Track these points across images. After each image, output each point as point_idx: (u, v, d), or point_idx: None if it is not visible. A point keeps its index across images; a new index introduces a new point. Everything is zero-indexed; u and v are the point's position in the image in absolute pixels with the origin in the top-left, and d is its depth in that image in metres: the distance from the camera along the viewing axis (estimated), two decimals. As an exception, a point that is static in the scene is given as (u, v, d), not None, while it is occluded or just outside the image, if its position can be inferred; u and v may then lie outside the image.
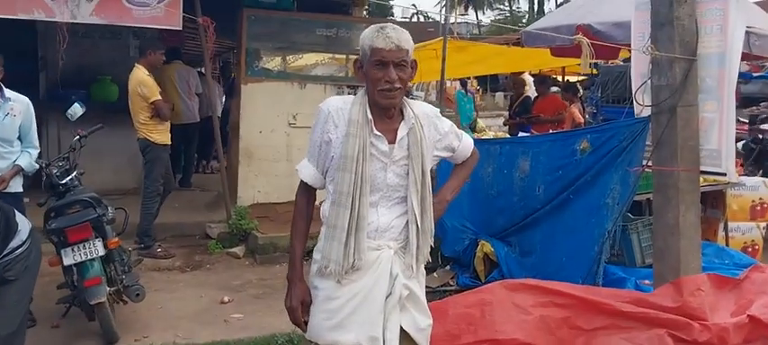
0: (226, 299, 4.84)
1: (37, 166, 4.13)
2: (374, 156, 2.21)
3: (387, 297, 2.22)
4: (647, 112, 3.57)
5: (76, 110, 4.76)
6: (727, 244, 5.01)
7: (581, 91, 11.95)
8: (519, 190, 4.79)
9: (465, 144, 2.49)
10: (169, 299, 4.85)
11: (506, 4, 47.66)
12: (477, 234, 5.05)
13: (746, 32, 4.70)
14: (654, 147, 3.49)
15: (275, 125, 6.71)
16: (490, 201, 5.05)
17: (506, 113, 11.03)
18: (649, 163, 3.59)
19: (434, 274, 5.19)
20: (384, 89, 2.16)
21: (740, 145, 8.12)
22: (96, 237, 3.88)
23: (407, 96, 2.36)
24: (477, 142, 5.39)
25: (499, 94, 23.51)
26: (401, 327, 2.25)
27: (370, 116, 2.20)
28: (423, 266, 2.36)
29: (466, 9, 44.21)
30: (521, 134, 7.57)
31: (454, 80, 13.35)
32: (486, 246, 4.88)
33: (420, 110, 2.31)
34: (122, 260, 4.19)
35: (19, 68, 7.65)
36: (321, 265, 2.24)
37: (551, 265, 4.35)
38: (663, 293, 3.33)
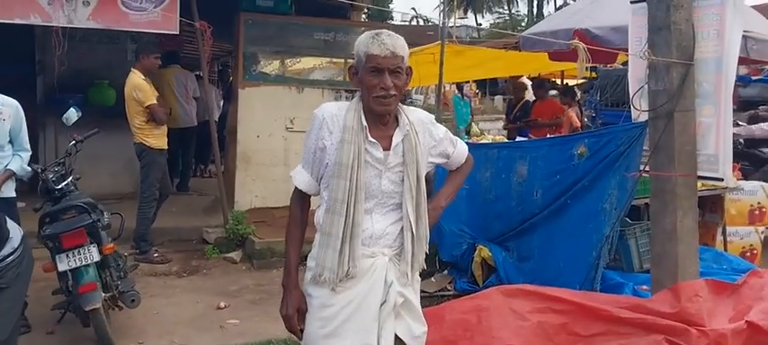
0: (222, 305, 4.82)
1: (29, 170, 4.10)
2: (369, 163, 2.19)
3: (381, 305, 2.20)
4: (644, 117, 3.56)
5: (72, 114, 4.74)
6: (725, 249, 5.00)
7: (579, 94, 11.95)
8: (517, 195, 4.78)
9: (459, 150, 2.48)
10: (165, 305, 4.83)
11: (505, 7, 47.72)
12: (475, 239, 5.04)
13: (744, 37, 4.70)
14: (651, 152, 3.48)
15: (273, 129, 6.70)
16: (488, 206, 5.04)
17: (505, 116, 11.01)
18: (647, 169, 3.58)
19: (432, 279, 5.18)
20: (379, 96, 2.15)
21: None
22: (91, 243, 3.86)
23: (404, 101, 2.34)
24: (475, 146, 5.41)
25: (498, 98, 23.53)
26: (396, 335, 2.24)
27: (364, 122, 2.19)
28: (418, 273, 2.35)
29: (465, 12, 44.26)
30: (519, 138, 7.57)
31: (452, 84, 13.34)
32: (483, 251, 4.87)
33: (415, 117, 2.30)
34: (118, 265, 4.16)
35: (17, 72, 7.69)
36: (315, 273, 2.23)
37: (549, 270, 4.34)
38: (660, 299, 3.31)
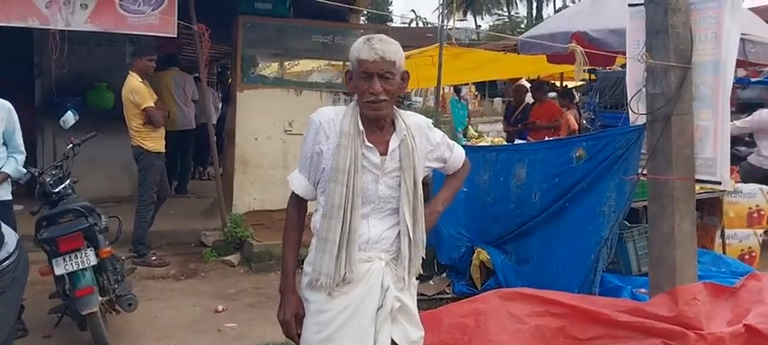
0: (220, 308, 4.81)
1: (24, 172, 4.07)
2: (366, 168, 2.19)
3: (378, 310, 2.19)
4: (642, 120, 3.55)
5: (69, 118, 4.74)
6: (724, 252, 4.99)
7: (577, 97, 11.95)
8: (515, 198, 4.78)
9: (457, 155, 2.47)
10: (163, 308, 4.82)
11: (505, 9, 47.76)
12: (474, 242, 5.04)
13: (741, 40, 4.71)
14: (649, 156, 3.48)
15: (271, 132, 6.69)
16: (486, 209, 5.04)
17: (504, 119, 11.01)
18: (644, 172, 3.57)
19: (430, 282, 5.17)
20: (369, 100, 2.15)
21: None
22: (88, 247, 3.85)
23: (400, 103, 2.34)
24: (473, 149, 5.40)
25: (497, 100, 23.52)
26: (392, 339, 2.23)
27: (361, 127, 2.18)
28: (415, 277, 2.34)
29: (464, 14, 44.29)
30: (517, 141, 7.57)
31: (449, 86, 13.35)
32: (482, 254, 4.86)
33: (412, 121, 2.30)
34: (115, 269, 4.15)
35: (15, 75, 7.68)
36: (312, 278, 2.22)
37: (548, 273, 4.34)
38: (658, 302, 3.31)
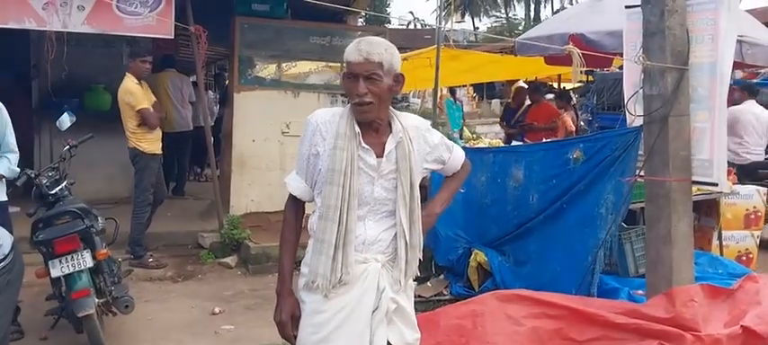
0: (217, 310, 4.80)
1: (17, 171, 4.04)
2: (362, 170, 2.18)
3: (373, 311, 2.19)
4: (639, 122, 3.56)
5: (65, 119, 4.72)
6: (721, 253, 5.00)
7: (574, 99, 11.96)
8: (512, 199, 4.78)
9: (456, 156, 2.46)
10: (159, 310, 4.81)
11: (502, 10, 47.84)
12: (471, 243, 5.04)
13: (738, 41, 4.72)
14: (646, 157, 3.48)
15: (268, 133, 6.68)
16: (484, 210, 5.04)
17: (501, 120, 11.02)
18: (642, 173, 3.57)
19: (428, 283, 5.17)
20: (355, 102, 2.15)
21: None
22: (84, 248, 3.83)
23: (395, 104, 2.33)
24: (471, 151, 5.39)
25: (495, 101, 23.54)
26: (388, 341, 2.23)
27: (357, 129, 2.18)
28: (411, 279, 2.34)
29: (462, 16, 44.34)
30: (514, 142, 7.57)
31: (445, 88, 13.35)
32: (479, 255, 4.86)
33: (409, 123, 2.29)
34: (111, 271, 4.15)
35: (12, 77, 7.68)
36: (308, 279, 2.22)
37: (545, 275, 4.33)
38: (656, 304, 3.31)
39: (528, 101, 9.45)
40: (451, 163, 2.45)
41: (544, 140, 6.68)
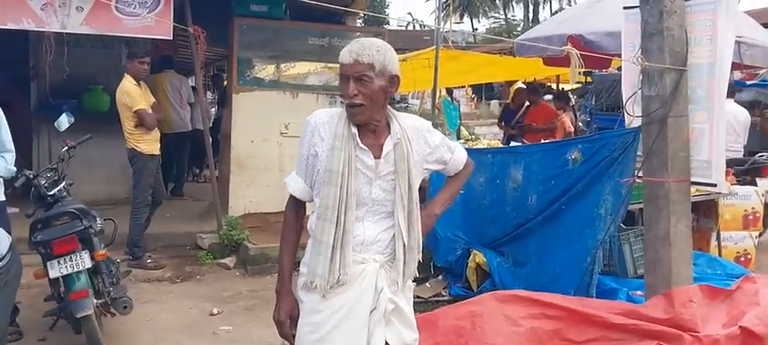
0: (215, 311, 4.80)
1: (13, 170, 4.03)
2: (359, 171, 2.18)
3: (371, 311, 2.19)
4: (637, 122, 3.56)
5: (63, 120, 4.72)
6: (719, 254, 5.00)
7: (572, 99, 11.98)
8: (511, 200, 4.78)
9: (458, 156, 2.44)
10: (158, 311, 4.81)
11: (501, 12, 47.88)
12: (470, 244, 5.03)
13: (737, 42, 4.73)
14: (644, 158, 3.48)
15: (267, 134, 6.68)
16: (483, 211, 5.04)
17: (499, 120, 11.04)
18: (640, 174, 3.57)
19: (427, 284, 5.17)
20: (347, 104, 2.16)
21: None
22: (83, 249, 3.83)
23: (392, 104, 2.33)
24: (469, 151, 5.37)
25: (494, 102, 23.55)
26: (387, 342, 2.23)
27: (353, 130, 2.18)
28: (410, 280, 2.33)
29: (461, 17, 44.37)
30: (513, 143, 7.57)
31: (443, 88, 13.39)
32: (478, 256, 4.86)
33: (409, 124, 2.28)
34: (110, 271, 4.14)
35: (11, 77, 7.66)
36: (307, 279, 2.23)
37: (544, 276, 4.33)
38: (654, 304, 3.31)
39: (526, 102, 9.46)
40: (453, 163, 2.43)
41: (542, 141, 6.69)
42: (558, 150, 4.55)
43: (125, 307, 4.05)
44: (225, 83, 10.46)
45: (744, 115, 7.18)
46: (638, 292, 3.82)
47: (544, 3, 45.82)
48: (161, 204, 6.24)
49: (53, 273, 3.76)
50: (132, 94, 5.63)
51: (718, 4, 3.26)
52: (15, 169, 4.02)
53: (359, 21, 8.67)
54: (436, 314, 3.50)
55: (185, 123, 8.17)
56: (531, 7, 45.74)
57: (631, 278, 4.26)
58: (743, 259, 5.33)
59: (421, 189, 2.34)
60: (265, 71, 7.08)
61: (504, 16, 47.82)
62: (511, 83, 13.63)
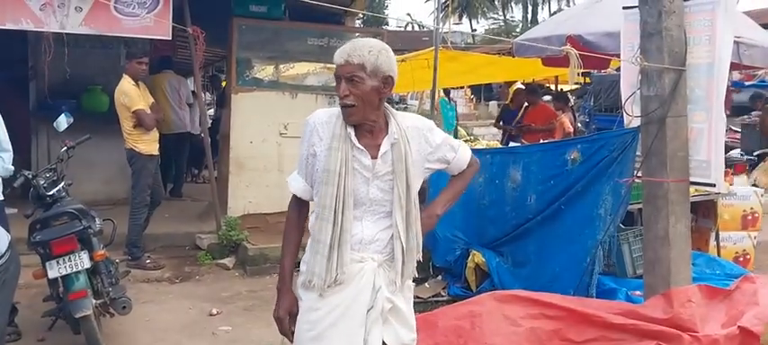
0: (214, 311, 4.79)
1: (11, 169, 4.02)
2: (357, 170, 2.18)
3: (368, 311, 2.19)
4: (636, 123, 3.56)
5: (62, 121, 4.71)
6: (718, 254, 5.01)
7: (572, 100, 11.99)
8: (510, 200, 4.78)
9: (461, 155, 2.40)
10: (157, 311, 4.81)
11: (500, 12, 47.91)
12: (469, 245, 5.03)
13: (735, 43, 4.72)
14: (643, 158, 3.49)
15: (266, 135, 6.68)
16: (482, 211, 5.04)
17: (496, 120, 11.06)
18: (639, 174, 3.58)
19: (426, 284, 5.17)
20: (340, 104, 2.17)
21: None
22: (82, 249, 3.82)
23: (391, 105, 2.33)
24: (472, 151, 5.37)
25: (493, 103, 23.55)
26: (384, 341, 2.23)
27: (349, 130, 2.18)
28: (409, 281, 2.33)
29: (460, 18, 44.41)
30: (511, 143, 7.58)
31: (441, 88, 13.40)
32: (477, 256, 4.86)
33: (409, 123, 2.27)
34: (109, 272, 4.13)
35: (10, 78, 7.65)
36: (305, 278, 2.24)
37: (544, 276, 4.33)
38: (653, 304, 3.31)
39: (525, 103, 9.47)
40: (456, 163, 2.40)
41: (541, 141, 6.69)
42: (557, 150, 4.55)
43: (124, 308, 4.04)
44: (223, 83, 10.46)
45: None
46: (637, 292, 3.83)
47: (543, 3, 45.90)
48: (160, 204, 6.23)
49: (52, 273, 3.76)
50: (131, 95, 5.62)
51: (716, 5, 3.27)
52: (13, 168, 4.01)
53: (358, 21, 8.68)
54: (436, 314, 3.50)
55: (184, 124, 8.17)
56: (529, 8, 45.79)
57: (630, 278, 4.27)
58: (742, 259, 5.34)
59: (422, 190, 2.33)
60: (264, 71, 7.08)
61: (502, 17, 47.86)
62: (510, 83, 13.63)
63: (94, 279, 3.98)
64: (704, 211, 5.08)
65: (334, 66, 2.17)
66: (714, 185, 3.40)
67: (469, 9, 45.17)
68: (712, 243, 5.12)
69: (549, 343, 3.28)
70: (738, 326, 3.25)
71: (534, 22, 40.93)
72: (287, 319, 2.28)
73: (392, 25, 37.19)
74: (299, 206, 2.35)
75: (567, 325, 3.30)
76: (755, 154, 9.47)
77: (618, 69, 9.03)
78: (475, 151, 5.93)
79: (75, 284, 3.76)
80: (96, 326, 3.85)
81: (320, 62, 7.15)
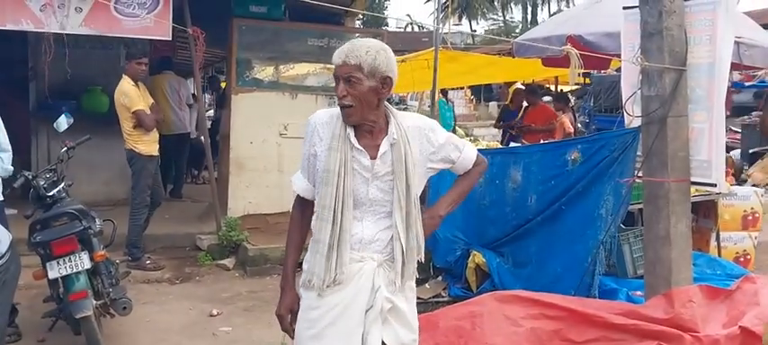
0: (214, 312, 4.79)
1: (10, 169, 4.01)
2: (356, 171, 2.19)
3: (367, 310, 2.19)
4: (637, 123, 3.56)
5: (62, 121, 4.71)
6: (719, 254, 5.01)
7: (572, 100, 12.00)
8: (511, 201, 4.77)
9: (467, 155, 2.38)
10: (157, 312, 4.80)
11: (500, 13, 47.93)
12: (469, 245, 5.03)
13: (736, 43, 4.73)
14: (644, 158, 3.48)
15: (266, 135, 6.68)
16: (482, 212, 5.03)
17: (496, 121, 11.06)
18: (640, 174, 3.58)
19: (426, 285, 5.16)
20: (338, 104, 2.17)
21: None
22: (82, 250, 3.81)
23: (389, 104, 2.32)
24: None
25: (493, 104, 23.56)
26: (384, 341, 2.22)
27: (348, 130, 2.18)
28: (411, 281, 2.32)
29: (459, 19, 44.41)
30: (512, 144, 7.57)
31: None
32: (477, 257, 4.85)
33: (411, 123, 2.26)
34: (109, 272, 4.13)
35: (10, 78, 7.65)
36: (306, 278, 2.25)
37: (545, 276, 4.33)
38: (654, 304, 3.31)
39: (525, 103, 9.47)
40: (461, 162, 2.37)
41: (542, 142, 6.69)
42: (558, 150, 4.54)
43: (124, 308, 4.04)
44: (222, 84, 10.45)
45: None
46: (638, 292, 3.82)
47: (542, 4, 45.91)
48: (160, 205, 6.23)
49: (52, 274, 3.75)
50: (130, 95, 5.62)
51: (717, 5, 3.26)
52: (12, 168, 4.01)
53: (358, 22, 8.68)
54: (436, 314, 3.49)
55: (184, 124, 8.17)
56: (529, 9, 45.81)
57: (631, 278, 4.26)
58: (742, 259, 5.33)
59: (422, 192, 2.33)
60: (264, 72, 7.08)
61: (502, 18, 47.86)
62: (510, 84, 13.63)
63: (95, 280, 3.97)
64: (705, 211, 5.08)
65: (334, 66, 2.18)
66: (715, 185, 3.40)
67: (469, 10, 45.17)
68: (713, 243, 5.12)
69: (550, 343, 3.28)
70: (739, 326, 3.25)
71: (534, 22, 40.95)
72: (288, 316, 2.30)
73: (392, 26, 37.23)
74: (303, 205, 2.35)
75: (567, 325, 3.29)
76: (751, 152, 9.49)
77: (618, 69, 9.03)
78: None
79: (76, 284, 3.76)
80: (97, 327, 3.84)
81: (320, 62, 7.15)
